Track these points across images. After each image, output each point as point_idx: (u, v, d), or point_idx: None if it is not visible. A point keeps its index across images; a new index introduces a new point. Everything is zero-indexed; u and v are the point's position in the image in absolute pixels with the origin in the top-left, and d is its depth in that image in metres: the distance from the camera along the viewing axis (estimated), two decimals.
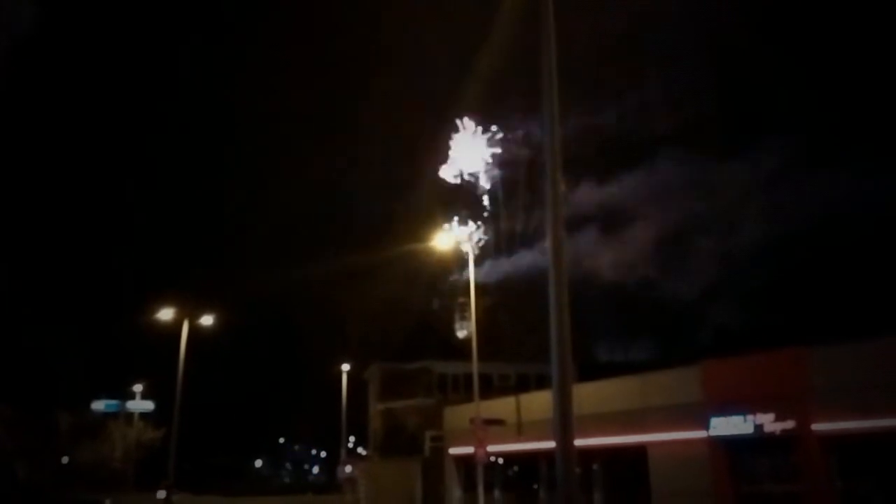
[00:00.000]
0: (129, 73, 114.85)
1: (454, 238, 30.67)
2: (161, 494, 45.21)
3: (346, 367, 55.35)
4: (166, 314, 36.33)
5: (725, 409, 22.75)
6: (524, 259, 45.51)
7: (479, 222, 39.17)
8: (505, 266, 46.88)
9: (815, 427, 20.54)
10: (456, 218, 37.66)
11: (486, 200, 41.87)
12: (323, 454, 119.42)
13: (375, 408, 55.50)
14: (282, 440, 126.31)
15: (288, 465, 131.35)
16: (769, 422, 21.60)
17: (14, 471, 57.44)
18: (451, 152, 40.85)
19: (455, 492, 37.64)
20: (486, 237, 40.49)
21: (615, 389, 28.20)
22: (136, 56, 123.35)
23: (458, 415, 36.63)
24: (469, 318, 30.57)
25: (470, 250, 29.58)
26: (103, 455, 63.48)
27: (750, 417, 22.06)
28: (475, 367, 28.41)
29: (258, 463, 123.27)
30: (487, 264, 45.65)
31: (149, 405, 65.20)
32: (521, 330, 42.90)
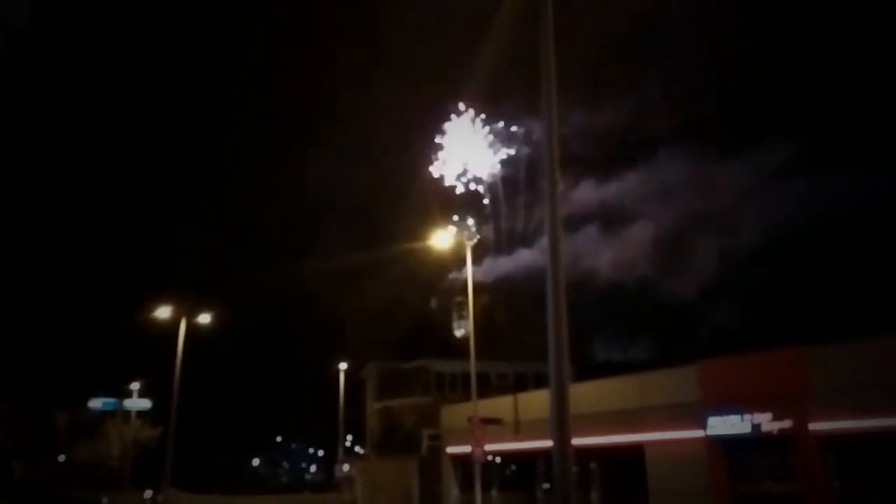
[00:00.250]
0: (129, 72, 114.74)
1: (453, 237, 30.63)
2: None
3: (343, 365, 55.37)
4: (164, 312, 36.31)
5: (723, 409, 22.76)
6: (523, 258, 45.50)
7: (479, 221, 39.14)
8: (504, 265, 46.86)
9: (813, 427, 20.55)
10: (455, 217, 37.64)
11: (485, 199, 41.81)
12: (320, 453, 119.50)
13: (373, 406, 55.51)
14: (279, 439, 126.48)
15: (285, 464, 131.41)
16: (767, 421, 21.61)
17: (11, 469, 57.38)
18: (450, 151, 40.78)
19: (452, 491, 37.63)
20: (485, 236, 40.47)
21: (613, 388, 28.20)
22: (135, 55, 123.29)
23: (456, 414, 36.62)
24: (467, 317, 30.53)
25: (468, 249, 29.56)
26: (101, 453, 63.37)
27: (747, 417, 22.08)
28: (473, 366, 28.40)
29: (255, 462, 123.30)
30: (486, 263, 45.64)
31: (146, 403, 65.01)
32: (519, 329, 42.87)
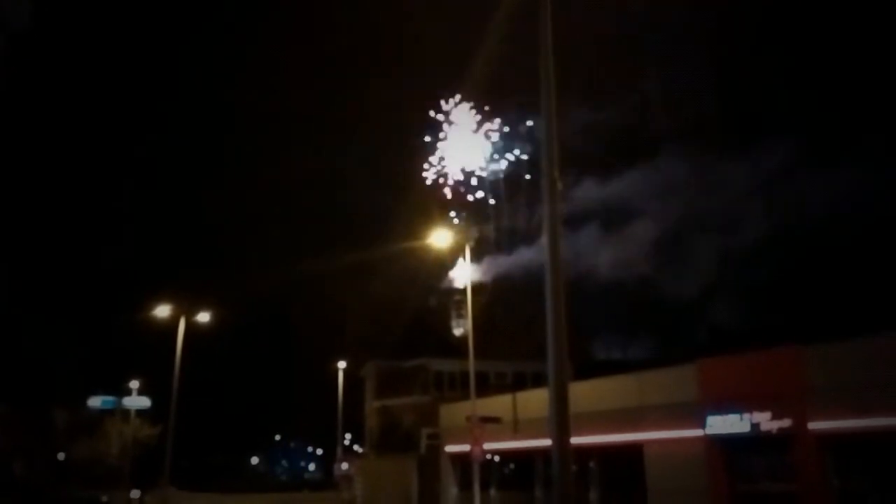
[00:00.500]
0: (129, 72, 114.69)
1: (453, 236, 30.64)
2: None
3: (342, 364, 55.33)
4: (163, 311, 36.34)
5: (722, 408, 22.76)
6: (524, 256, 45.49)
7: (479, 219, 39.14)
8: (504, 263, 46.87)
9: (812, 426, 20.56)
10: (454, 215, 37.66)
11: (486, 197, 41.83)
12: (319, 452, 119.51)
13: (372, 405, 55.53)
14: (278, 437, 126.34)
15: (284, 463, 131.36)
16: (766, 420, 21.61)
17: (11, 468, 57.37)
18: (450, 149, 40.80)
19: (451, 490, 37.63)
20: (486, 234, 40.48)
21: (612, 387, 28.20)
22: (135, 54, 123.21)
23: (455, 412, 36.63)
24: (465, 316, 30.56)
25: (467, 248, 29.57)
26: (100, 452, 63.36)
27: (746, 416, 22.08)
28: (472, 365, 28.41)
29: (254, 460, 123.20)
30: (486, 262, 45.66)
31: (145, 402, 64.93)
32: (518, 328, 42.88)
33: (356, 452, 66.40)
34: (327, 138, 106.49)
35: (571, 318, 9.36)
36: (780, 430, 21.26)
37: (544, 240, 9.54)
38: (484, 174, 41.42)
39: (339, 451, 57.86)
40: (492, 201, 42.41)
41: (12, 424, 54.40)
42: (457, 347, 37.24)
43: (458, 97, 40.40)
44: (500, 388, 38.82)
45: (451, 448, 37.43)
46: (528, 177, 41.57)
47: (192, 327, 37.08)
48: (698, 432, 23.47)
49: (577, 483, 26.02)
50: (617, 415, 26.86)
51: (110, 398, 65.62)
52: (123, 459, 62.57)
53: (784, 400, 21.20)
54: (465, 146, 40.80)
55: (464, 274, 29.53)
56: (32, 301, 56.99)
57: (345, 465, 55.58)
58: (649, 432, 25.40)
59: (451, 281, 40.86)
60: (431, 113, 40.47)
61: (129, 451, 62.72)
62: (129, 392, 64.26)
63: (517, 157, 41.39)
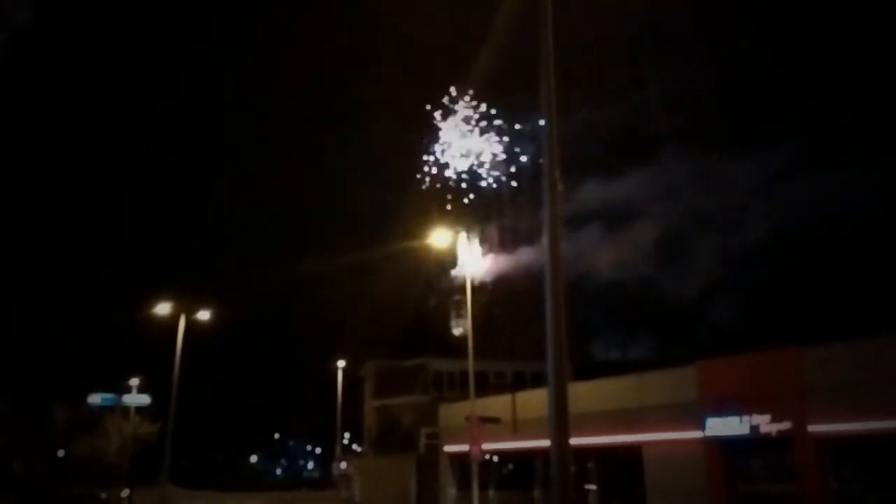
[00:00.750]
0: (130, 71, 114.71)
1: (454, 235, 30.66)
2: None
3: (341, 363, 55.37)
4: (163, 309, 36.37)
5: (721, 410, 22.75)
6: (525, 256, 45.46)
7: (481, 219, 39.13)
8: (505, 263, 46.85)
9: (812, 428, 20.55)
10: (454, 215, 37.66)
11: (489, 196, 41.80)
12: (318, 450, 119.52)
13: (371, 404, 55.55)
14: (277, 436, 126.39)
15: (283, 461, 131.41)
16: (765, 423, 21.60)
17: (10, 465, 57.34)
18: (453, 148, 40.76)
19: (449, 489, 37.64)
20: (488, 234, 40.45)
21: (611, 388, 28.20)
22: (135, 53, 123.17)
23: (454, 412, 36.64)
24: (465, 316, 30.55)
25: (467, 248, 29.58)
26: (99, 449, 63.35)
27: (746, 418, 22.07)
28: (471, 364, 28.41)
29: (253, 458, 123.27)
30: (487, 261, 45.61)
31: (145, 399, 64.97)
32: (517, 328, 42.88)
33: (355, 452, 66.41)
34: (327, 138, 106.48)
35: (571, 318, 9.36)
36: (780, 432, 21.24)
37: (544, 240, 9.54)
38: (487, 173, 41.37)
39: (338, 450, 57.92)
40: (494, 200, 42.36)
41: (12, 422, 54.36)
42: (456, 347, 37.23)
43: (460, 96, 40.35)
44: (500, 388, 38.81)
45: (449, 448, 37.43)
46: (530, 175, 41.54)
47: (192, 325, 37.12)
48: (697, 434, 23.46)
49: (575, 484, 26.04)
50: (616, 416, 26.86)
51: (110, 395, 65.60)
52: (123, 457, 62.61)
53: (784, 402, 21.18)
54: (468, 145, 40.75)
55: (464, 273, 29.47)
56: (32, 298, 56.95)
57: (344, 465, 55.66)
58: (648, 433, 25.40)
59: (451, 280, 40.81)
60: (434, 112, 40.43)
61: (128, 448, 62.74)
62: (128, 389, 64.24)
63: (520, 157, 41.35)
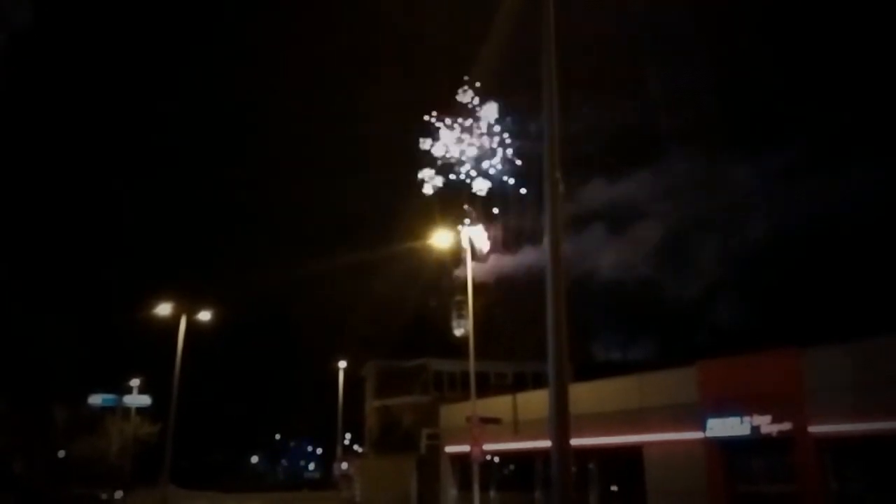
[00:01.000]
0: (130, 70, 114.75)
1: (456, 235, 30.66)
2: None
3: (342, 363, 55.37)
4: (164, 309, 36.37)
5: (722, 410, 22.75)
6: (527, 256, 45.49)
7: (482, 219, 39.13)
8: (507, 263, 46.88)
9: (812, 429, 20.55)
10: (458, 214, 37.67)
11: (491, 197, 41.82)
12: (319, 451, 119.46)
13: (371, 405, 55.55)
14: (278, 437, 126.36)
15: (284, 462, 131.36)
16: (766, 423, 21.60)
17: (10, 466, 57.32)
18: (455, 147, 40.77)
19: (450, 490, 37.62)
20: (491, 234, 40.48)
21: (612, 389, 28.19)
22: (136, 53, 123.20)
23: (455, 413, 36.62)
24: (466, 317, 30.55)
25: (468, 248, 29.57)
26: (100, 450, 63.38)
27: (747, 419, 22.07)
28: (472, 365, 28.40)
29: (254, 459, 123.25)
30: (491, 261, 45.64)
31: (146, 400, 65.05)
32: (519, 328, 42.89)
33: (356, 452, 66.43)
34: (327, 138, 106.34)
35: (572, 318, 9.36)
36: (781, 432, 21.25)
37: (545, 241, 9.54)
38: (490, 172, 41.37)
39: (339, 450, 57.93)
40: (498, 200, 42.37)
41: (12, 422, 54.36)
42: (457, 347, 37.23)
43: (462, 95, 40.36)
44: (501, 389, 38.82)
45: (450, 448, 37.42)
46: (536, 174, 41.45)
47: (192, 326, 37.14)
48: (698, 434, 23.46)
49: (576, 484, 26.04)
50: (617, 416, 26.85)
51: (111, 396, 65.61)
52: (123, 458, 62.64)
53: (784, 402, 21.18)
54: (469, 144, 40.75)
55: (467, 273, 29.45)
56: (32, 298, 56.91)
57: (344, 465, 55.68)
58: (649, 434, 25.39)
59: (453, 280, 40.83)
60: (435, 112, 40.45)
61: (129, 449, 62.77)
62: (129, 390, 64.27)
63: (525, 155, 41.34)
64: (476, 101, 40.43)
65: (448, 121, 40.52)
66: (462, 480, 35.91)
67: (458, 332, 40.33)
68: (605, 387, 28.55)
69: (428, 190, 39.35)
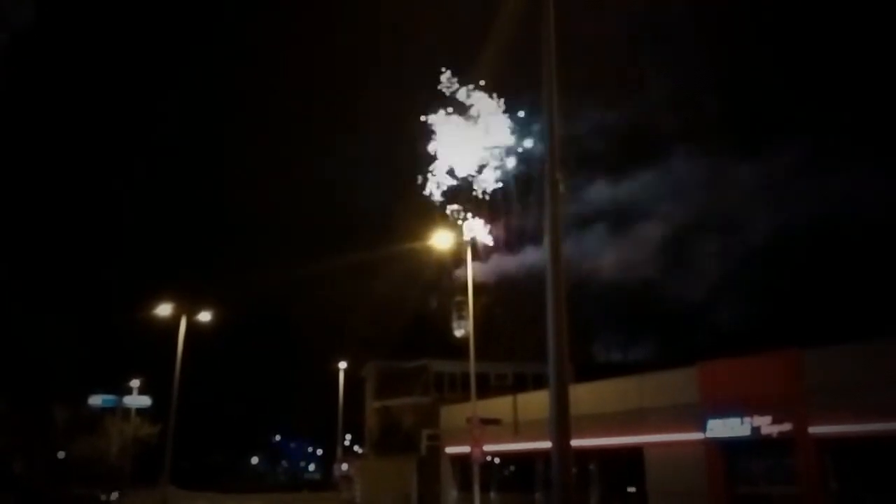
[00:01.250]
0: (131, 70, 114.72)
1: (457, 234, 30.62)
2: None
3: (343, 364, 55.36)
4: (164, 310, 36.34)
5: (722, 411, 22.73)
6: (529, 257, 45.44)
7: (484, 219, 39.03)
8: (508, 263, 46.83)
9: (812, 430, 20.52)
10: (460, 214, 37.55)
11: (495, 196, 41.67)
12: (319, 452, 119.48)
13: (372, 406, 55.49)
14: (278, 437, 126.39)
15: (284, 463, 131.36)
16: (766, 424, 21.58)
17: (10, 466, 57.29)
18: (457, 148, 40.63)
19: (451, 491, 37.60)
20: (494, 234, 40.35)
21: (612, 390, 28.16)
22: (136, 53, 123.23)
23: (455, 414, 36.59)
24: (466, 317, 30.50)
25: (468, 248, 29.53)
26: (100, 451, 63.38)
27: (747, 420, 22.05)
28: (472, 365, 28.37)
29: (254, 460, 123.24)
30: (493, 261, 45.55)
31: (146, 401, 65.08)
32: (519, 329, 42.85)
33: (356, 453, 66.42)
34: (328, 138, 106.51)
35: (573, 319, 9.34)
36: (781, 433, 21.23)
37: (545, 241, 9.52)
38: (493, 172, 41.25)
39: (339, 451, 57.91)
40: (501, 200, 42.24)
41: (12, 422, 54.33)
42: (458, 348, 37.17)
43: (466, 94, 40.23)
44: (501, 390, 38.80)
45: (451, 449, 37.40)
46: (539, 175, 41.27)
47: (192, 327, 37.12)
48: (698, 435, 23.44)
49: (577, 485, 26.01)
50: (617, 417, 26.83)
51: (111, 397, 65.63)
52: (123, 458, 62.64)
53: (785, 403, 21.16)
54: (472, 145, 40.64)
55: (467, 273, 29.41)
56: (32, 298, 56.91)
57: (345, 466, 55.66)
58: (649, 435, 25.37)
59: (454, 280, 40.75)
60: (435, 112, 40.34)
61: (129, 449, 62.77)
62: (129, 391, 64.29)
63: (527, 156, 41.23)
64: (476, 101, 40.32)
65: (448, 120, 40.40)
66: (462, 481, 35.89)
67: (458, 333, 40.25)
68: (606, 387, 28.53)
69: (433, 189, 39.30)
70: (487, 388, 38.24)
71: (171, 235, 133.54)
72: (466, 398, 31.46)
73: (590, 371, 36.07)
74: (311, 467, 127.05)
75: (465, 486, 34.74)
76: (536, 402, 29.49)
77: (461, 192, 40.55)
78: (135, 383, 63.99)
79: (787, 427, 21.10)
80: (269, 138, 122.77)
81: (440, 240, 30.48)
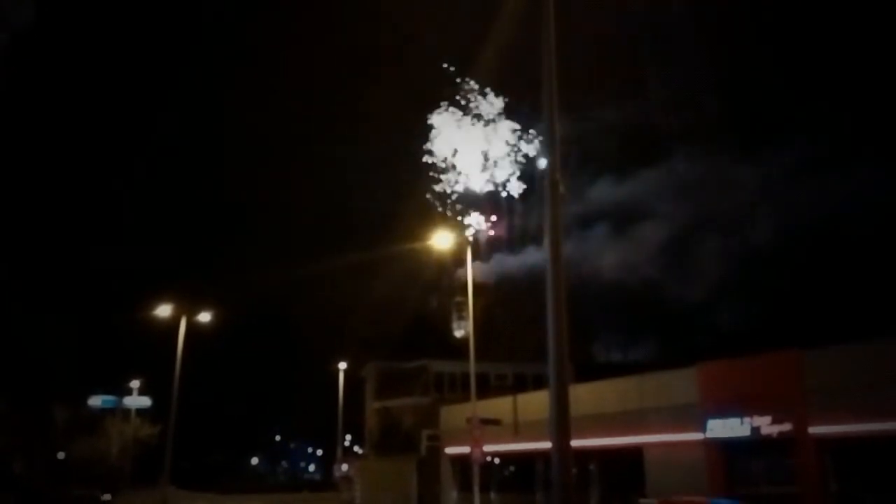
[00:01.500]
0: (131, 70, 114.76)
1: (458, 234, 30.60)
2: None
3: (343, 365, 55.29)
4: (164, 310, 36.32)
5: (722, 411, 22.73)
6: (531, 257, 45.44)
7: (486, 219, 38.99)
8: (509, 264, 46.84)
9: (812, 430, 20.53)
10: (461, 214, 37.53)
11: (497, 197, 41.64)
12: (319, 452, 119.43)
13: (372, 406, 55.46)
14: (278, 438, 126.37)
15: (284, 463, 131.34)
16: (766, 424, 21.59)
17: (10, 466, 57.31)
18: (458, 147, 40.59)
19: (451, 492, 37.58)
20: (496, 234, 40.30)
21: (612, 390, 28.16)
22: (136, 53, 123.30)
23: (455, 414, 36.58)
24: (466, 318, 30.47)
25: (469, 248, 29.51)
26: (100, 451, 63.41)
27: (747, 420, 22.06)
28: (472, 366, 28.34)
29: (254, 460, 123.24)
30: (495, 261, 45.56)
31: (146, 401, 65.14)
32: (519, 329, 42.82)
33: (356, 453, 66.35)
34: (327, 138, 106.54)
35: (573, 319, 9.34)
36: (781, 434, 21.23)
37: (545, 242, 9.52)
38: (495, 172, 41.19)
39: (339, 451, 57.82)
40: (504, 200, 42.19)
41: (12, 422, 54.35)
42: (457, 349, 37.15)
43: (467, 94, 40.20)
44: (501, 390, 38.77)
45: (451, 450, 37.39)
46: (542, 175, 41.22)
47: (192, 327, 37.10)
48: (698, 435, 23.44)
49: (577, 486, 26.00)
50: (617, 417, 26.83)
51: (111, 397, 65.71)
52: (123, 459, 62.67)
53: (784, 403, 21.17)
54: (474, 145, 40.59)
55: (468, 273, 29.38)
56: (33, 299, 56.93)
57: (345, 466, 55.55)
58: (649, 435, 25.37)
59: (455, 279, 40.72)
60: (437, 112, 40.32)
61: (129, 450, 62.79)
62: (129, 391, 64.34)
63: (530, 156, 41.18)
64: (477, 101, 40.30)
65: (449, 120, 40.38)
66: (462, 482, 35.87)
67: (458, 334, 40.24)
68: (606, 388, 28.53)
69: (434, 189, 39.27)
70: (487, 389, 38.21)
71: (170, 235, 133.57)
72: (466, 398, 31.43)
73: (590, 371, 36.05)
74: (311, 468, 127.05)
75: (465, 487, 34.73)
76: (536, 403, 29.47)
77: (463, 192, 40.55)
78: (135, 384, 64.02)
79: (787, 427, 21.11)
80: (269, 139, 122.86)
81: (440, 240, 30.45)
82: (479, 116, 40.39)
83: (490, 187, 40.89)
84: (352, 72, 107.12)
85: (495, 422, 29.29)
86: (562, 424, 8.74)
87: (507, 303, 45.07)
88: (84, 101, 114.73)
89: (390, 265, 49.97)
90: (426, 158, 40.61)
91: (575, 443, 8.80)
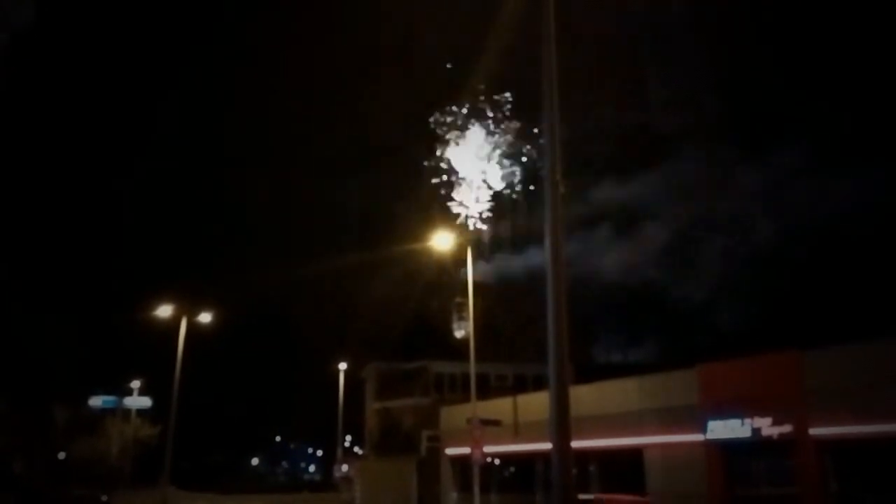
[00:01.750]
0: (131, 69, 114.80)
1: (459, 234, 30.61)
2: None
3: (343, 365, 55.26)
4: (165, 311, 36.30)
5: (723, 413, 22.72)
6: (531, 258, 45.41)
7: (486, 220, 38.98)
8: (509, 264, 46.81)
9: (813, 431, 20.51)
10: (462, 214, 37.55)
11: (495, 196, 41.65)
12: (319, 453, 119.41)
13: (372, 407, 55.44)
14: (278, 438, 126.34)
15: (284, 464, 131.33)
16: (766, 426, 21.58)
17: (10, 467, 57.31)
18: (460, 147, 40.60)
19: (451, 493, 37.57)
20: (498, 235, 40.31)
21: (612, 391, 28.16)
22: (136, 53, 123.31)
23: (455, 415, 36.57)
24: (467, 318, 30.45)
25: (469, 249, 29.50)
26: (100, 451, 63.40)
27: (748, 421, 22.05)
28: (472, 367, 28.33)
29: (254, 461, 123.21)
30: (494, 261, 45.52)
31: (146, 402, 65.12)
32: (519, 330, 42.80)
33: (356, 454, 66.34)
34: (327, 138, 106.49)
35: (573, 320, 9.32)
36: (781, 435, 21.22)
37: (546, 243, 9.50)
38: (497, 172, 41.19)
39: (340, 452, 57.81)
40: (506, 202, 42.21)
41: (12, 422, 54.35)
42: (458, 349, 37.13)
43: (468, 94, 40.20)
44: (501, 391, 38.77)
45: (451, 450, 37.38)
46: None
47: (193, 327, 37.07)
48: (699, 437, 23.42)
49: (577, 486, 25.98)
50: (617, 418, 26.82)
51: (111, 398, 65.70)
52: (123, 459, 62.64)
53: (785, 405, 21.16)
54: (475, 145, 40.59)
55: (468, 274, 29.37)
56: (33, 299, 56.91)
57: (345, 467, 55.54)
58: (650, 436, 25.36)
59: (456, 278, 40.71)
60: (436, 111, 40.32)
61: (129, 450, 62.77)
62: (129, 392, 64.31)
63: (531, 157, 41.20)
64: (477, 101, 40.30)
65: (449, 120, 40.38)
66: (462, 482, 35.86)
67: (458, 334, 40.20)
68: (606, 389, 28.52)
69: (436, 190, 39.28)
70: (488, 390, 38.20)
71: (171, 236, 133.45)
72: (466, 399, 31.41)
73: (590, 372, 36.03)
74: (312, 468, 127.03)
75: (465, 488, 34.71)
76: (536, 403, 29.45)
77: (464, 193, 40.54)
78: (135, 384, 63.99)
79: (787, 428, 21.10)
80: (269, 139, 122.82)
81: (440, 240, 30.43)
82: (480, 117, 40.41)
83: (491, 188, 40.93)
84: (352, 71, 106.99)
85: (495, 422, 29.28)
86: (562, 425, 8.72)
87: (507, 303, 45.05)
88: (84, 101, 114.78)
89: (390, 265, 49.97)
90: (427, 159, 40.68)
91: (575, 444, 8.79)
